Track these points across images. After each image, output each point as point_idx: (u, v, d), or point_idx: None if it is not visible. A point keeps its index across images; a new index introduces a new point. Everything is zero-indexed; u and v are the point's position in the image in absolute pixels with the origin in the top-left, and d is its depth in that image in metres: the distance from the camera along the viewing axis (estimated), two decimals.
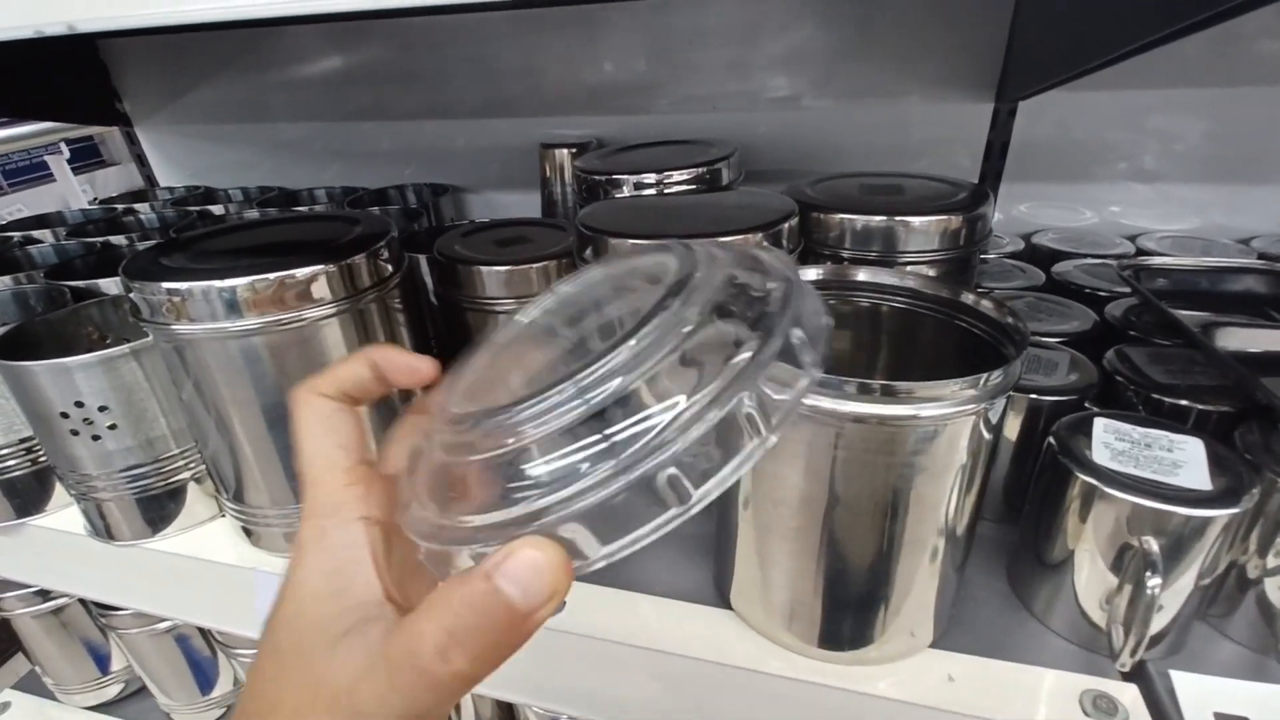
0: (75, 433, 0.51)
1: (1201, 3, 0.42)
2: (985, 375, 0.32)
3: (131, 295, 0.45)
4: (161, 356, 0.48)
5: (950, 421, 0.33)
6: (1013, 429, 0.50)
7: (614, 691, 0.46)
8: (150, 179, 1.19)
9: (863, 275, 0.45)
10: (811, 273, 0.46)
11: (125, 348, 0.50)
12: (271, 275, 0.43)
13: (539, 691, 0.49)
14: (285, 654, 0.22)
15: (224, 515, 0.57)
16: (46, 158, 2.07)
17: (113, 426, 0.51)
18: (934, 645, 0.43)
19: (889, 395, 0.32)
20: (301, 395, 0.27)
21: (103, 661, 0.90)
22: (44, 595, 0.81)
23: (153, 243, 0.58)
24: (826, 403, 0.33)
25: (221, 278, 0.43)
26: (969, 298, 0.41)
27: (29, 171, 2.20)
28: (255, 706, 0.22)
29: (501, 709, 0.73)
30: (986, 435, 0.35)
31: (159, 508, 0.56)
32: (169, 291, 0.43)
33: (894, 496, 0.35)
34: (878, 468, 0.35)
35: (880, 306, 0.45)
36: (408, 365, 0.29)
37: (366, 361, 0.28)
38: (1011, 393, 0.48)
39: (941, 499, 0.36)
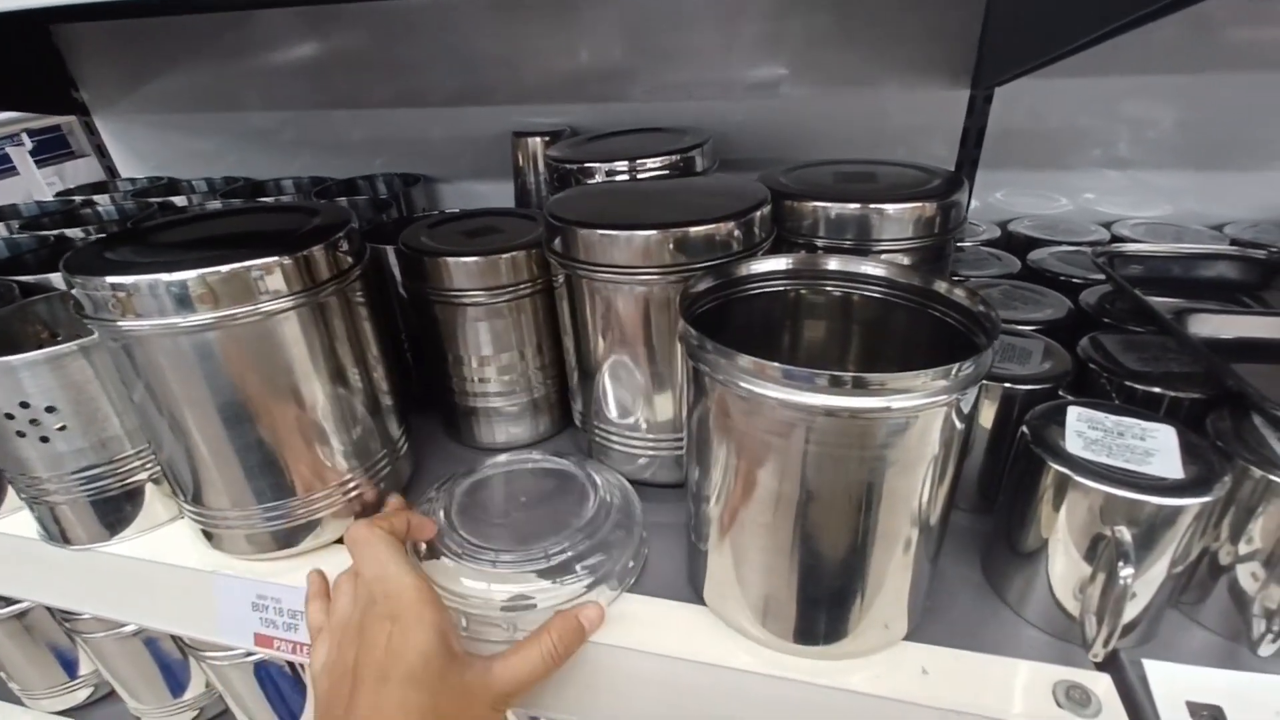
0: (22, 434, 0.49)
1: None
2: (957, 365, 0.31)
3: (74, 291, 0.43)
4: (109, 355, 0.46)
5: (922, 413, 0.32)
6: (987, 418, 0.49)
7: (586, 690, 0.45)
8: (111, 170, 1.15)
9: (834, 264, 0.44)
10: (783, 262, 0.45)
11: (73, 345, 0.48)
12: (224, 268, 0.42)
13: None
14: (431, 687, 0.36)
15: (185, 516, 0.55)
16: (9, 149, 2.00)
17: (62, 428, 0.49)
18: (908, 638, 0.42)
19: (860, 388, 0.31)
20: (366, 530, 0.42)
21: (70, 666, 0.88)
22: (6, 600, 0.79)
23: (98, 236, 0.56)
24: (797, 396, 0.32)
25: (170, 271, 0.41)
26: (941, 286, 0.41)
27: None
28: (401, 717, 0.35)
29: None
30: (959, 425, 0.35)
31: (115, 510, 0.54)
32: (113, 286, 0.41)
33: (866, 489, 0.35)
34: (849, 460, 0.34)
35: (852, 295, 0.45)
36: (420, 530, 0.47)
37: (404, 520, 0.45)
38: (985, 382, 0.48)
39: (914, 490, 0.35)
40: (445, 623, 0.38)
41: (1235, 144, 0.79)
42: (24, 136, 2.03)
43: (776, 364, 0.32)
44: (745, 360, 0.33)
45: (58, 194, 1.00)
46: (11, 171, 2.10)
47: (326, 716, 0.37)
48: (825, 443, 0.33)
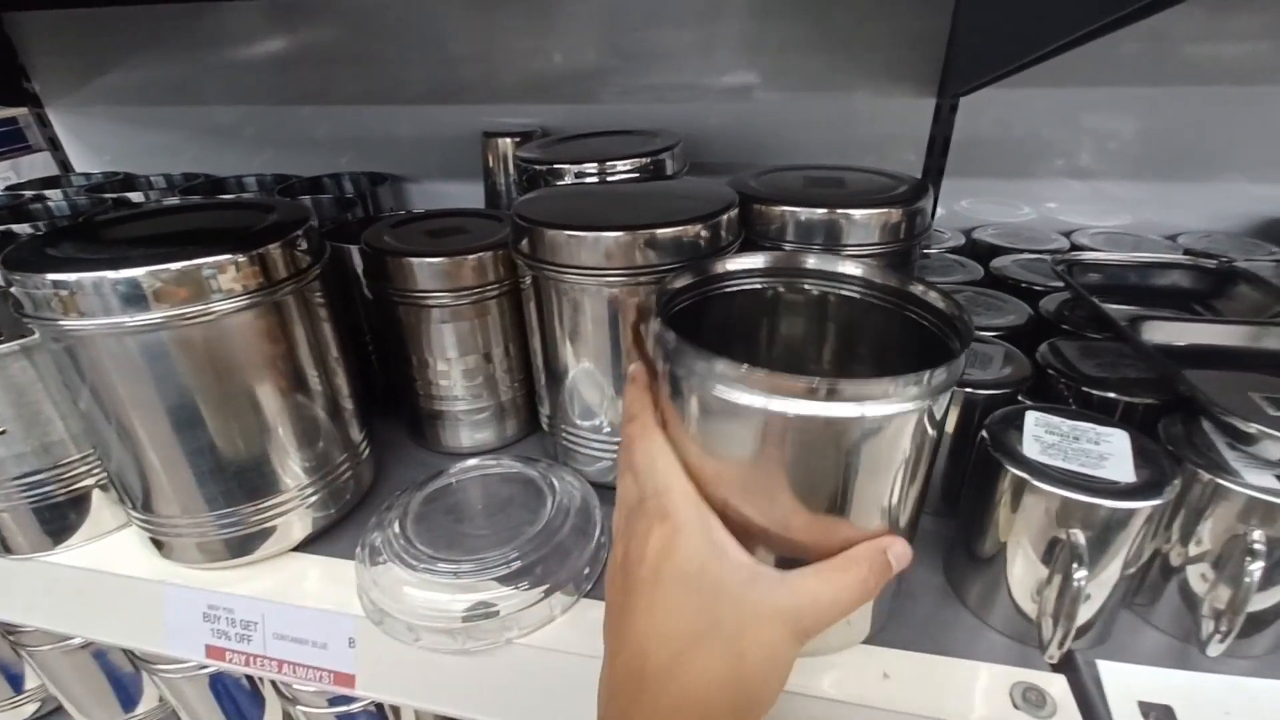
0: None
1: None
2: (930, 372, 0.31)
3: (13, 289, 0.41)
4: (51, 357, 0.44)
5: (895, 418, 0.32)
6: (950, 422, 0.50)
7: (530, 694, 0.44)
8: (65, 164, 1.11)
9: (812, 263, 0.44)
10: (760, 259, 0.44)
11: (15, 345, 0.46)
12: (174, 265, 0.40)
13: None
14: (706, 591, 0.31)
15: (133, 524, 0.53)
16: None
17: (2, 431, 0.47)
18: (871, 641, 0.42)
19: (833, 393, 0.31)
20: (643, 430, 0.36)
21: (15, 680, 0.84)
22: None
23: (40, 231, 0.54)
24: (769, 401, 0.32)
25: (116, 268, 0.40)
26: (917, 288, 0.40)
27: None
28: (679, 625, 0.31)
29: None
30: (930, 431, 0.35)
31: (60, 517, 0.52)
32: (55, 284, 0.39)
33: (838, 491, 0.34)
34: (822, 464, 0.34)
35: (828, 295, 0.44)
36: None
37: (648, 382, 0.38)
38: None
39: (885, 493, 0.35)
40: (719, 528, 0.33)
41: (1191, 156, 0.81)
42: None
43: (752, 367, 0.31)
44: (722, 364, 0.32)
45: (7, 188, 0.96)
46: None
47: (608, 613, 0.35)
48: (797, 446, 0.33)
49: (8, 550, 0.52)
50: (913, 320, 0.41)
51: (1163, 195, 0.83)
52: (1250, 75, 0.75)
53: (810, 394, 0.31)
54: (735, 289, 0.45)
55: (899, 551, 0.35)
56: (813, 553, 0.35)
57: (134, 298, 0.40)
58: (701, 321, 0.43)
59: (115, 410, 0.43)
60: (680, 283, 0.41)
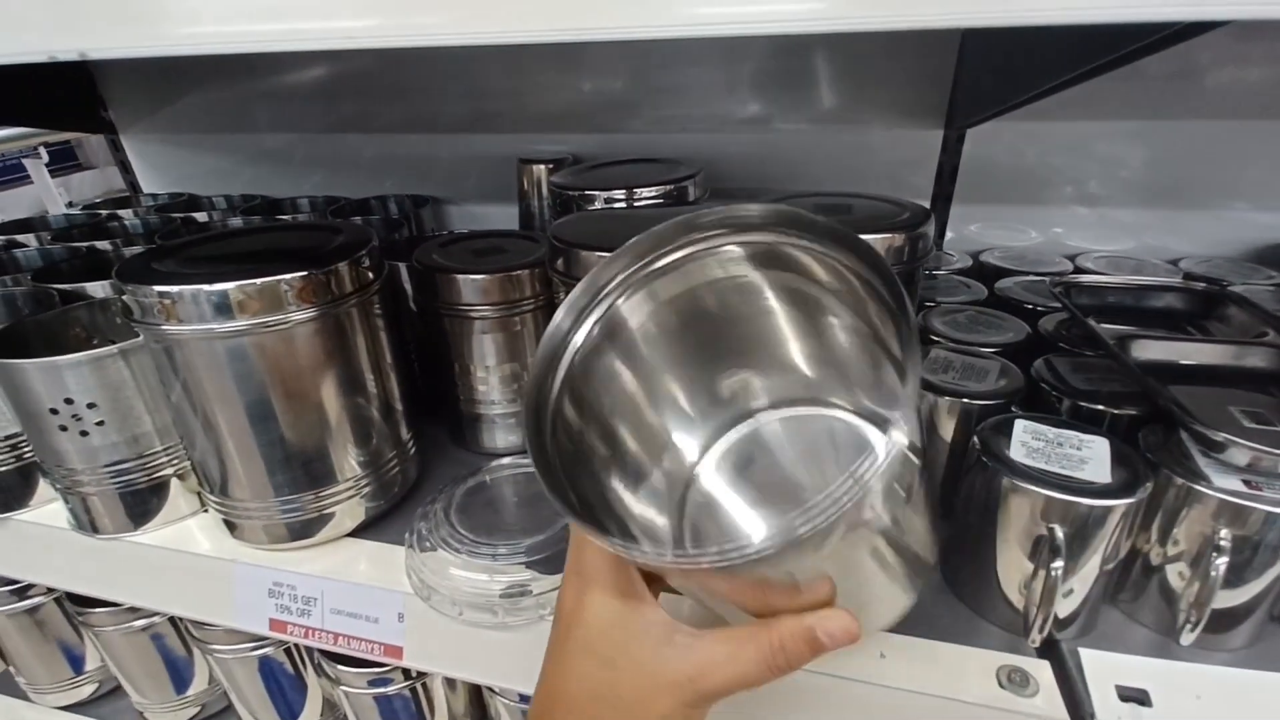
0: (64, 428, 0.53)
1: (1113, 44, 0.47)
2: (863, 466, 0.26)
3: (124, 297, 0.47)
4: (150, 356, 0.50)
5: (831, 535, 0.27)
6: (947, 431, 0.54)
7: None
8: (134, 185, 1.21)
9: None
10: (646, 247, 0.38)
11: (114, 348, 0.53)
12: (258, 280, 0.47)
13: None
14: (607, 657, 0.31)
15: (205, 510, 0.60)
16: (24, 160, 2.06)
17: (100, 423, 0.54)
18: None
19: (753, 563, 0.26)
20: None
21: (77, 661, 0.90)
22: (19, 594, 0.82)
23: (143, 248, 0.61)
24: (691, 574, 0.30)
25: (210, 282, 0.46)
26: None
27: (4, 174, 2.19)
28: (579, 689, 0.31)
29: (473, 704, 0.75)
30: (877, 515, 0.29)
31: (142, 502, 0.58)
32: (160, 294, 0.46)
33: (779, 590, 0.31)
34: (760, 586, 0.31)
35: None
36: None
37: None
38: (945, 397, 0.53)
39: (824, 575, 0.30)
40: (633, 585, 0.32)
41: (1194, 184, 0.84)
42: (42, 150, 2.10)
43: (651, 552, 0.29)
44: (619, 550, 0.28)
45: (83, 207, 1.05)
46: (25, 180, 2.16)
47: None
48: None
49: (96, 530, 0.59)
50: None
51: (1166, 221, 0.87)
52: (1261, 108, 0.78)
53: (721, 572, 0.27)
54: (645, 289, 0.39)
55: (833, 628, 0.29)
56: (747, 610, 0.32)
57: (223, 307, 0.46)
58: (591, 375, 0.39)
59: (202, 404, 0.50)
60: (540, 370, 0.36)
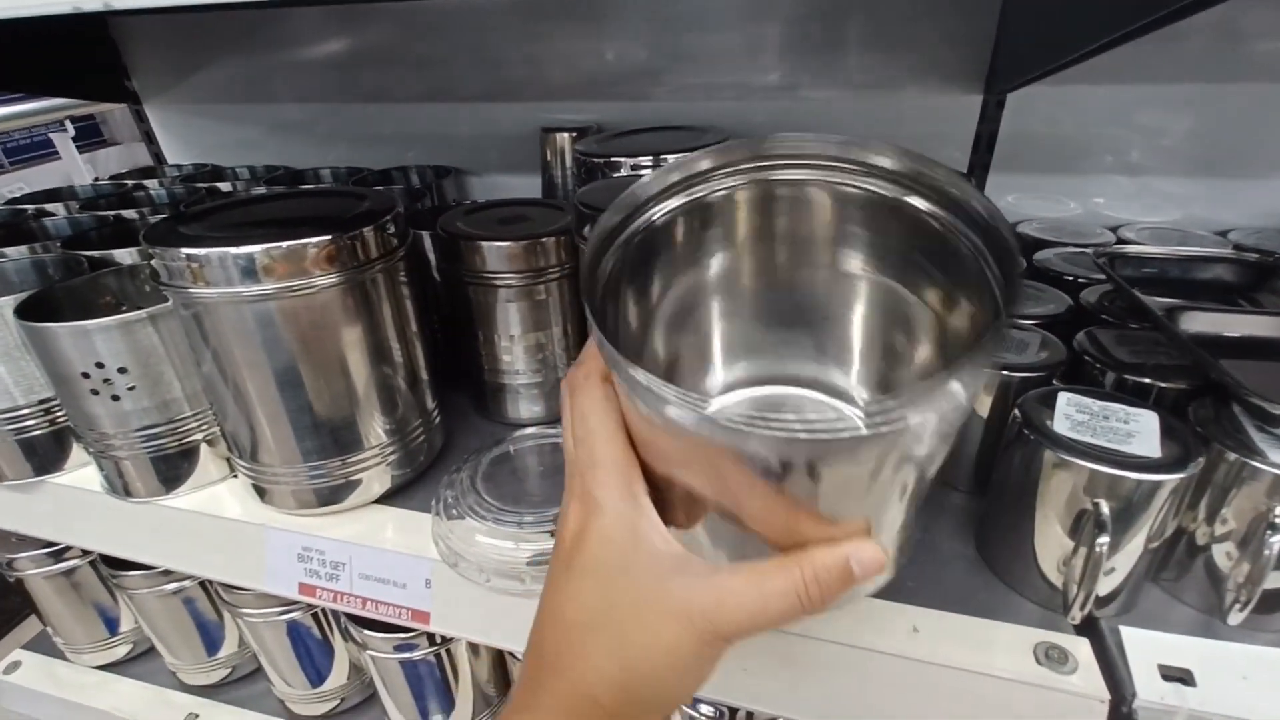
0: (95, 392, 0.54)
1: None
2: (891, 402, 0.24)
3: (152, 261, 0.47)
4: (179, 321, 0.50)
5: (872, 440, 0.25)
6: (984, 404, 0.52)
7: None
8: (159, 156, 1.21)
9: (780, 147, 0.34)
10: (698, 163, 0.34)
11: (143, 313, 0.53)
12: (285, 244, 0.46)
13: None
14: (609, 579, 0.28)
15: (235, 475, 0.60)
16: (51, 135, 2.08)
17: (132, 388, 0.54)
18: (903, 600, 0.46)
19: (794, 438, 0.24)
20: (584, 380, 0.31)
21: (112, 623, 0.93)
22: (56, 556, 0.84)
23: (170, 214, 0.60)
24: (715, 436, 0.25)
25: (237, 245, 0.45)
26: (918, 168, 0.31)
27: (30, 150, 2.21)
28: (576, 613, 0.29)
29: (496, 670, 0.76)
30: (917, 447, 0.27)
31: (173, 467, 0.59)
32: (189, 257, 0.46)
33: (797, 490, 0.27)
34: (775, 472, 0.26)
35: (810, 189, 0.35)
36: None
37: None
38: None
39: (856, 503, 0.28)
40: (646, 512, 0.29)
41: (1244, 152, 0.81)
42: (67, 124, 2.12)
43: (682, 394, 0.25)
44: (640, 375, 0.26)
45: (111, 177, 1.06)
46: (51, 156, 2.19)
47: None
48: (748, 459, 0.26)
49: (129, 494, 0.59)
50: (910, 214, 0.32)
51: (1213, 191, 0.83)
52: None
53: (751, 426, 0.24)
54: (678, 209, 0.35)
55: (865, 558, 0.27)
56: (767, 544, 0.29)
57: (250, 271, 0.46)
58: (655, 256, 0.36)
59: (231, 369, 0.50)
60: (611, 222, 0.33)
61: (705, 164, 0.34)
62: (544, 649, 0.30)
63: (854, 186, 0.33)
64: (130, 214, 0.82)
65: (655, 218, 0.35)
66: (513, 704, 0.30)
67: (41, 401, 0.61)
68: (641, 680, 0.28)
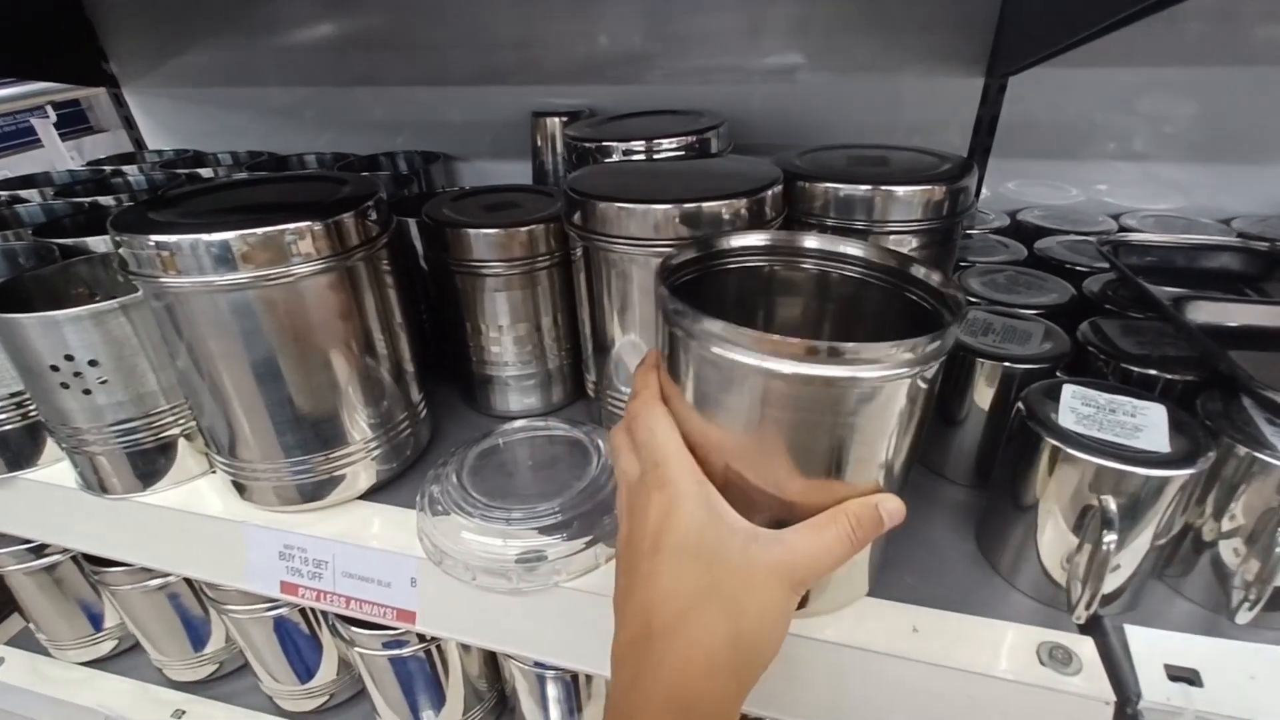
0: (65, 386, 0.52)
1: None
2: (924, 340, 0.32)
3: (120, 250, 0.45)
4: (151, 312, 0.48)
5: (888, 383, 0.33)
6: (985, 396, 0.51)
7: (569, 630, 0.47)
8: (139, 142, 1.18)
9: (811, 242, 0.45)
10: (761, 237, 0.45)
11: (114, 303, 0.51)
12: (260, 230, 0.44)
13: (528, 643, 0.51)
14: (703, 550, 0.33)
15: (214, 471, 0.58)
16: (32, 120, 2.04)
17: (104, 381, 0.52)
18: (902, 599, 0.44)
19: (833, 356, 0.32)
20: (645, 403, 0.38)
21: (96, 619, 0.91)
22: (37, 552, 0.82)
23: (142, 199, 0.58)
24: (764, 360, 0.33)
25: (210, 231, 0.43)
26: (918, 270, 0.41)
27: (14, 137, 2.17)
28: (676, 583, 0.33)
29: (487, 666, 0.75)
30: (921, 397, 0.36)
31: (150, 462, 0.57)
32: (157, 245, 0.43)
33: (831, 452, 0.35)
34: (816, 425, 0.34)
35: (829, 274, 0.45)
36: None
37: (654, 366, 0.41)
38: (986, 361, 0.50)
39: (877, 455, 0.36)
40: (715, 494, 0.35)
41: (1248, 139, 0.79)
42: (48, 109, 2.07)
43: (752, 330, 0.32)
44: (720, 325, 0.33)
45: (88, 164, 1.03)
46: (35, 144, 2.14)
47: (616, 593, 0.37)
48: (792, 407, 0.34)
49: (104, 490, 0.57)
50: (909, 299, 0.41)
51: (1217, 178, 0.81)
52: None
53: (806, 355, 0.32)
54: (737, 266, 0.45)
55: (891, 508, 0.36)
56: (808, 512, 0.36)
57: (224, 259, 0.44)
58: (702, 295, 0.43)
59: (206, 362, 0.48)
60: (683, 256, 0.42)
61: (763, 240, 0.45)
62: (650, 622, 0.33)
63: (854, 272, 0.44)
64: (107, 200, 0.80)
65: (721, 265, 0.45)
66: (624, 680, 0.33)
67: (13, 395, 0.59)
68: (750, 634, 0.33)
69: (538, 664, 0.63)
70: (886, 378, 0.33)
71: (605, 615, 0.46)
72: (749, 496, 0.36)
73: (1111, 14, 0.53)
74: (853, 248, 0.44)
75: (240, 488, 0.54)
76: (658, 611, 0.33)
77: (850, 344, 0.31)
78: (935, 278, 0.40)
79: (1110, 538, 0.38)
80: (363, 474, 0.54)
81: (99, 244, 0.63)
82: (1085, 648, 0.41)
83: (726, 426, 0.36)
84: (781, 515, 0.36)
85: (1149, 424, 0.41)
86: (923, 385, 0.35)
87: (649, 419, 0.37)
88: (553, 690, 0.66)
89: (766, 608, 0.33)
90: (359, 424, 0.53)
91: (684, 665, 0.32)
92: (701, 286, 0.44)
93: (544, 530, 0.48)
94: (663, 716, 0.31)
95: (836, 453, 0.35)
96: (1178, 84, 0.78)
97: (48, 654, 0.93)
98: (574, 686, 0.66)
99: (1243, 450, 0.40)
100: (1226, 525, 0.42)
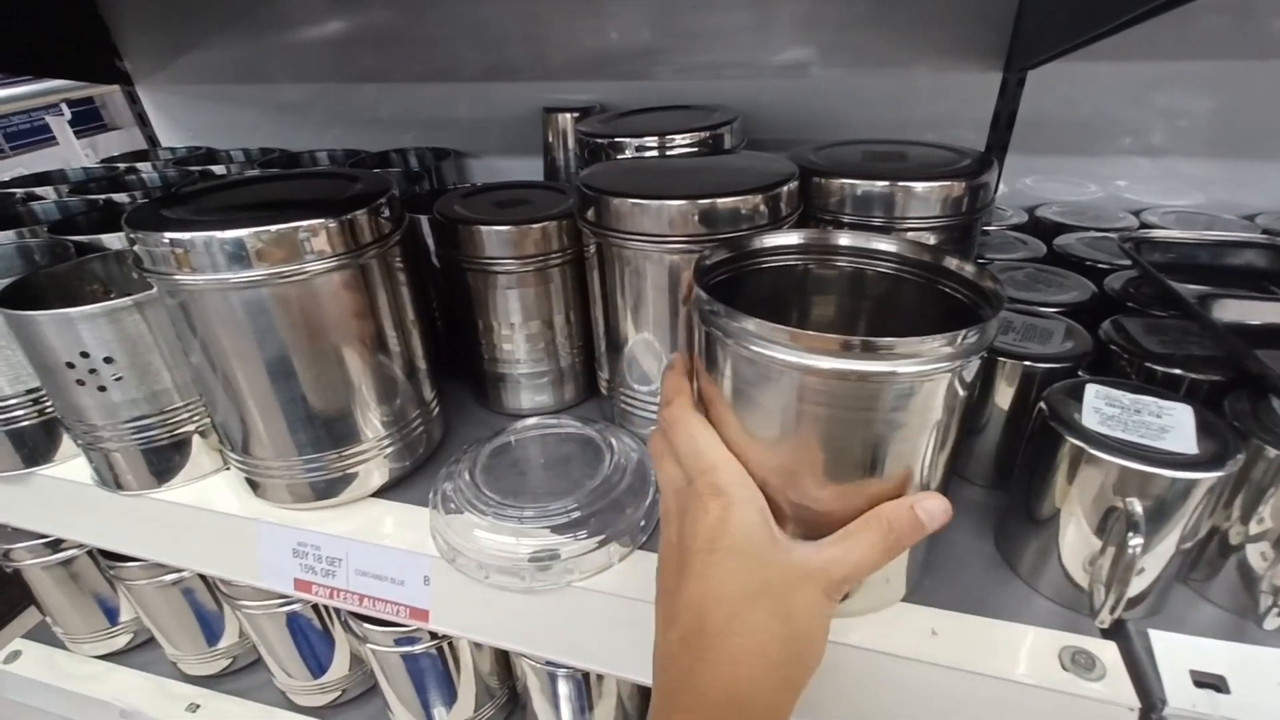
0: (81, 383, 0.52)
1: None
2: (962, 333, 0.32)
3: (135, 247, 0.45)
4: (165, 309, 0.48)
5: (927, 379, 0.33)
6: (1005, 396, 0.50)
7: (591, 634, 0.47)
8: (152, 139, 1.19)
9: (845, 240, 0.44)
10: (795, 236, 0.45)
11: (129, 300, 0.51)
12: (274, 228, 0.44)
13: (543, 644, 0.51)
14: (757, 553, 0.34)
15: (228, 468, 0.58)
16: (48, 119, 2.05)
17: (119, 378, 0.52)
18: (920, 602, 0.44)
19: (868, 351, 0.32)
20: (680, 411, 0.39)
21: (111, 613, 0.92)
22: (53, 547, 0.83)
23: (156, 196, 0.58)
24: (803, 358, 0.33)
25: (223, 229, 0.43)
26: (950, 262, 0.40)
27: (30, 135, 2.19)
28: (729, 585, 0.34)
29: (499, 663, 0.75)
30: (961, 393, 0.35)
31: (164, 459, 0.57)
32: (172, 242, 0.43)
33: (870, 452, 0.35)
34: (854, 425, 0.34)
35: (863, 271, 0.45)
36: None
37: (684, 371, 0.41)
38: (1006, 360, 0.49)
39: (917, 453, 0.36)
40: (763, 499, 0.36)
41: (1269, 133, 0.77)
42: (63, 107, 2.09)
43: (786, 327, 0.32)
44: (756, 323, 0.33)
45: (101, 161, 1.03)
46: (50, 141, 2.16)
47: (661, 593, 0.37)
48: (830, 407, 0.34)
49: (120, 487, 0.58)
50: (946, 294, 0.41)
51: (1239, 174, 0.80)
52: None
53: (845, 351, 0.32)
54: (770, 265, 0.45)
55: (930, 508, 0.35)
56: (845, 514, 0.36)
57: (238, 256, 0.44)
58: (736, 296, 0.43)
59: (220, 360, 0.48)
60: (717, 257, 0.42)
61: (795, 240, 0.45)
62: (704, 620, 0.33)
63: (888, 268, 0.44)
64: (121, 198, 0.80)
65: (754, 264, 0.45)
66: (675, 677, 0.34)
67: (29, 391, 0.59)
68: (799, 635, 0.33)
69: (549, 662, 0.63)
70: (925, 373, 0.32)
71: (619, 615, 0.46)
72: (786, 498, 0.37)
73: (1134, 6, 0.52)
74: (887, 244, 0.43)
75: (254, 485, 0.54)
76: (712, 609, 0.33)
77: (889, 338, 0.31)
78: (972, 271, 0.39)
79: (1136, 541, 0.37)
80: (376, 472, 0.54)
81: (114, 241, 0.63)
82: (1108, 652, 0.40)
83: (765, 427, 0.36)
84: (818, 518, 0.37)
85: (1175, 425, 0.40)
86: (963, 383, 0.35)
87: (687, 426, 0.38)
88: (564, 688, 0.66)
89: (813, 611, 0.34)
90: (372, 422, 0.53)
91: (740, 662, 0.32)
92: (735, 287, 0.43)
93: (557, 529, 0.47)
94: (719, 712, 0.32)
95: (874, 453, 0.35)
96: (1197, 78, 0.76)
97: (64, 647, 0.94)
98: (585, 685, 0.66)
99: (1272, 452, 0.39)
100: (1254, 529, 0.41)
